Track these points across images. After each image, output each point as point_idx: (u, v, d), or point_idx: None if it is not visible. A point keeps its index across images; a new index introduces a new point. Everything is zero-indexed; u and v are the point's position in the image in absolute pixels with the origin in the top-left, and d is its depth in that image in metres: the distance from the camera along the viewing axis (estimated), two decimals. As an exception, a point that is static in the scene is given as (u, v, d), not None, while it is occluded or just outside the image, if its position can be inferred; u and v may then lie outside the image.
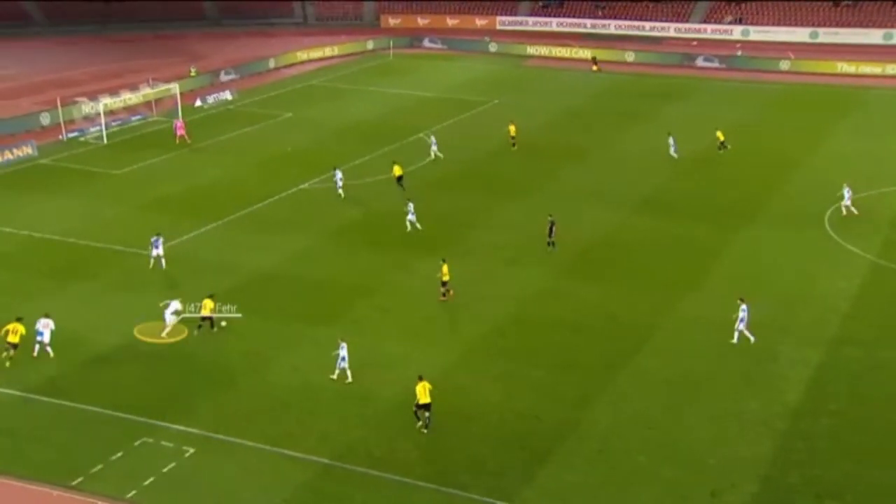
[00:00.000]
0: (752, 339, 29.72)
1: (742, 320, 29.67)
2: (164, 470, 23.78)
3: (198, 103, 63.14)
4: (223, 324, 30.88)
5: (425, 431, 25.34)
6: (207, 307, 30.39)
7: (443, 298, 32.88)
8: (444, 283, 32.91)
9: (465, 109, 61.83)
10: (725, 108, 62.70)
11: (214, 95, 64.79)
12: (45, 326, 29.28)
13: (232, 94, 65.89)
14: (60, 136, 54.81)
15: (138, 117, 58.76)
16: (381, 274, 35.24)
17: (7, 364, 28.37)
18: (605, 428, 25.72)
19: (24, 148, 50.90)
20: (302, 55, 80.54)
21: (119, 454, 24.33)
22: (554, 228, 36.99)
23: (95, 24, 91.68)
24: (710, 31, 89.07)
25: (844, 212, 40.40)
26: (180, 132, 54.17)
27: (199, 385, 27.70)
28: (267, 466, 24.08)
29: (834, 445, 24.88)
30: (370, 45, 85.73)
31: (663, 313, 32.14)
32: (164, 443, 24.85)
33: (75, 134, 55.50)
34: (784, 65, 75.79)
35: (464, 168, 48.86)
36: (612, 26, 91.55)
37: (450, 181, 46.79)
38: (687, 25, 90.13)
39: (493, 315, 32.08)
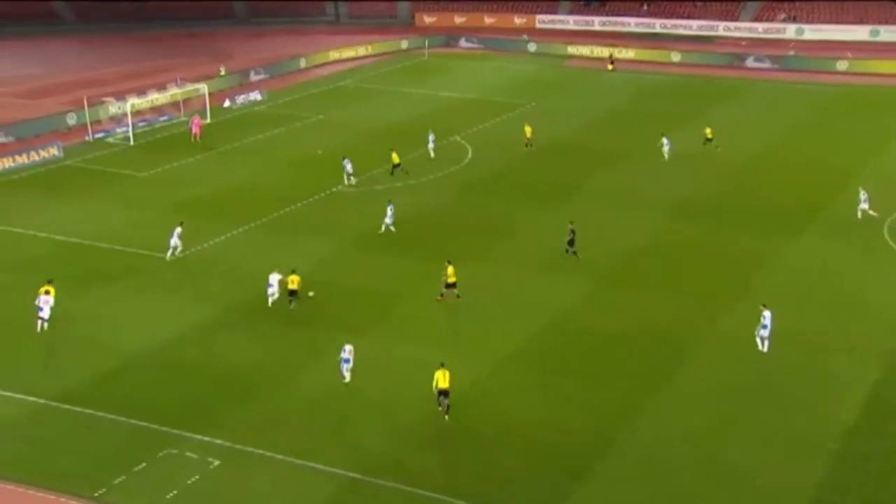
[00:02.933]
0: (764, 348, 29.56)
1: (765, 327, 29.53)
2: (189, 482, 24.05)
3: (226, 104, 63.95)
4: (311, 294, 33.13)
5: (446, 418, 26.17)
6: (294, 282, 32.64)
7: (440, 298, 33.08)
8: (449, 286, 33.04)
9: (502, 112, 61.88)
10: (776, 110, 62.02)
11: (243, 96, 65.56)
12: (45, 303, 31.21)
13: (261, 94, 66.60)
14: (86, 137, 55.86)
15: (165, 118, 59.68)
16: (413, 281, 35.35)
17: (45, 327, 31.29)
18: (645, 444, 25.54)
19: (50, 149, 51.94)
20: (333, 55, 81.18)
21: (142, 465, 24.67)
22: (575, 236, 36.79)
23: (124, 23, 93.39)
24: (761, 29, 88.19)
25: (860, 216, 40.31)
26: (195, 130, 54.98)
27: (225, 394, 28.01)
28: (293, 479, 24.26)
29: (893, 469, 24.41)
30: (404, 44, 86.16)
31: (707, 325, 31.85)
32: (188, 454, 25.15)
33: (101, 135, 56.53)
34: (841, 65, 74.72)
35: (499, 172, 48.89)
36: (658, 25, 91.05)
37: (484, 185, 46.85)
38: (736, 24, 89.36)
39: (528, 324, 32.05)
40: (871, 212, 40.50)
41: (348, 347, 28.43)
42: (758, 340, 29.89)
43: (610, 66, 76.08)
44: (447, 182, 47.37)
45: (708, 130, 52.45)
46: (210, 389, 28.29)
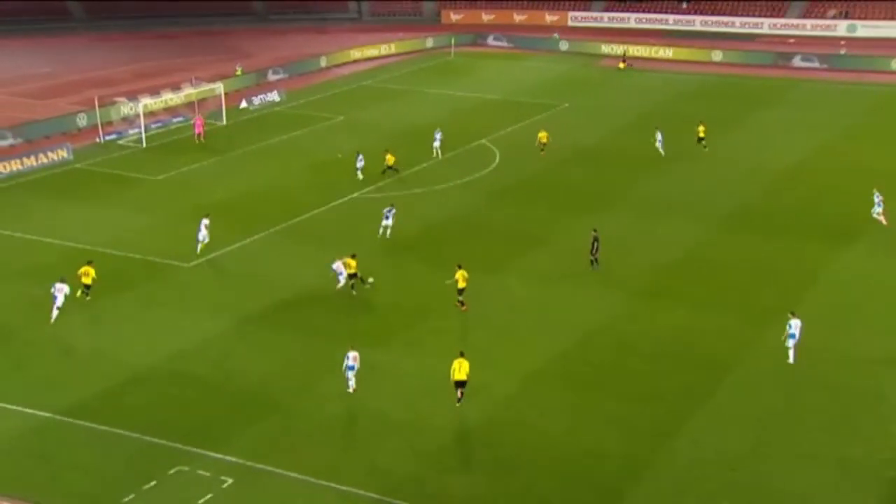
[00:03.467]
0: (791, 359, 29.73)
1: (792, 336, 29.69)
2: (200, 501, 24.17)
3: (243, 104, 64.52)
4: (371, 280, 35.03)
5: (458, 405, 27.63)
6: (352, 265, 34.54)
7: (462, 307, 33.69)
8: (461, 291, 33.48)
9: (533, 113, 61.91)
10: (825, 113, 61.58)
11: (261, 96, 66.12)
12: (60, 291, 32.59)
13: (280, 94, 67.13)
14: (97, 139, 56.56)
15: (179, 119, 60.30)
16: (438, 293, 35.34)
17: (87, 298, 34.23)
18: (682, 467, 25.35)
19: (59, 151, 52.60)
20: (355, 53, 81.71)
21: (153, 483, 24.83)
22: (597, 244, 36.68)
23: (136, 20, 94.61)
24: (809, 27, 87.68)
25: (883, 219, 40.51)
26: (198, 129, 55.55)
27: (239, 409, 28.16)
28: (309, 499, 24.30)
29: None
30: (429, 42, 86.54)
31: (750, 340, 31.60)
32: (200, 472, 25.28)
33: (113, 137, 57.21)
34: (896, 64, 74.14)
35: (528, 178, 48.90)
36: (698, 22, 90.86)
37: (513, 192, 46.87)
38: (783, 21, 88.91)
39: (558, 340, 31.97)
40: (881, 217, 40.48)
41: (353, 354, 28.62)
42: (789, 353, 30.00)
43: (622, 65, 75.98)
44: (473, 188, 47.44)
45: (700, 128, 53.09)
46: (223, 404, 28.46)
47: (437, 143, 52.16)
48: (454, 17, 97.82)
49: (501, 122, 59.09)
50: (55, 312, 32.81)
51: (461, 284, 33.57)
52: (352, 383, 28.62)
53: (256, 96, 65.94)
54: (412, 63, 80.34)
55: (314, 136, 57.86)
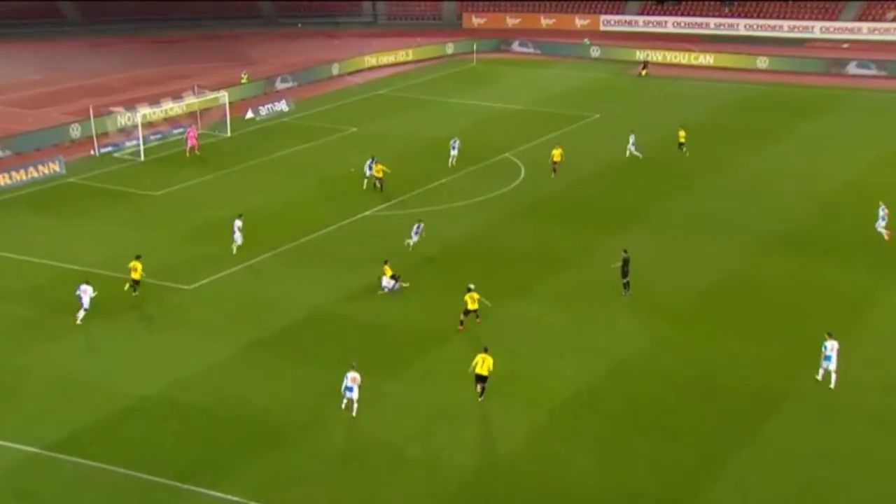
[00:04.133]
0: (831, 384, 30.24)
1: (828, 359, 30.24)
2: (199, 542, 24.33)
3: (249, 115, 65.15)
4: (406, 284, 37.54)
5: (480, 399, 29.62)
6: (388, 272, 37.59)
7: (461, 328, 34.54)
8: (468, 312, 34.38)
9: (561, 125, 62.12)
10: (883, 124, 61.47)
11: (268, 106, 66.77)
12: (84, 292, 34.92)
13: (288, 104, 67.74)
14: (92, 152, 57.26)
15: (180, 130, 60.90)
16: (454, 317, 35.45)
17: (135, 294, 36.91)
18: (725, 512, 25.28)
19: (51, 164, 53.24)
20: (370, 60, 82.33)
21: (148, 523, 25.02)
22: (628, 267, 36.68)
23: (135, 24, 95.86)
24: (865, 30, 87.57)
25: (887, 235, 41.36)
26: (191, 142, 56.11)
27: (242, 443, 28.32)
28: (317, 542, 24.39)
29: None
30: (450, 48, 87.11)
31: (797, 373, 31.48)
32: (199, 511, 25.45)
33: (109, 149, 57.87)
34: (964, 70, 73.88)
35: (555, 195, 49.05)
36: (742, 26, 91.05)
37: (538, 209, 47.04)
38: (836, 24, 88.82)
39: (587, 370, 32.02)
40: (883, 230, 41.15)
41: (351, 375, 28.95)
42: (820, 372, 30.57)
43: (643, 72, 76.23)
44: (496, 205, 47.63)
45: (681, 133, 54.15)
46: (225, 438, 28.64)
47: (454, 153, 52.63)
48: (476, 20, 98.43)
49: (527, 135, 59.34)
50: (81, 314, 34.96)
51: (471, 306, 34.16)
52: (348, 405, 29.02)
53: (263, 106, 66.60)
54: (431, 70, 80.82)
55: (325, 150, 58.30)
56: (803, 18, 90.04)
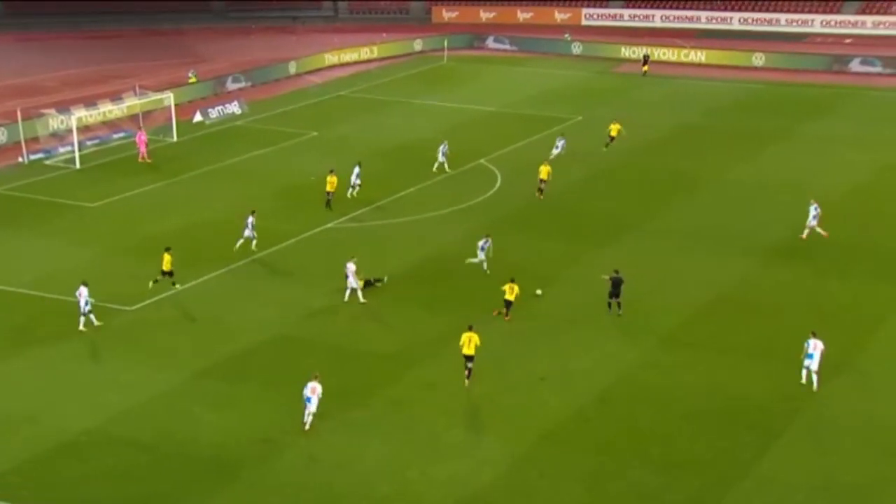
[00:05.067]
0: (814, 385, 31.57)
1: (809, 357, 31.62)
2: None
3: (197, 118, 64.93)
4: (382, 282, 39.08)
5: (466, 382, 31.72)
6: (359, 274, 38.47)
7: (506, 317, 36.33)
8: (509, 304, 36.34)
9: (540, 128, 62.42)
10: (889, 125, 62.20)
11: (219, 108, 66.61)
12: (81, 295, 35.97)
13: (241, 106, 67.65)
14: (20, 159, 56.80)
15: (121, 135, 60.65)
16: (430, 340, 35.48)
17: (150, 285, 39.07)
18: (724, 550, 25.39)
19: (-23, 174, 52.79)
20: (331, 58, 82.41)
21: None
22: (620, 289, 36.70)
23: (67, 17, 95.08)
24: (870, 24, 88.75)
25: (806, 234, 43.09)
26: (143, 148, 55.89)
27: (193, 481, 28.07)
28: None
29: None
30: (418, 45, 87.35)
31: (802, 397, 31.72)
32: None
33: (40, 156, 57.47)
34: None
35: (535, 204, 49.23)
36: (736, 20, 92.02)
37: (516, 220, 47.18)
38: (838, 18, 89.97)
39: (572, 394, 32.08)
40: (819, 229, 42.59)
41: (311, 385, 29.50)
42: (803, 373, 31.85)
43: (644, 68, 76.93)
44: (471, 216, 47.71)
45: (614, 127, 55.77)
46: (173, 476, 28.35)
47: (441, 158, 52.98)
48: (447, 14, 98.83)
49: (503, 139, 59.56)
50: (82, 319, 36.07)
51: (508, 296, 36.12)
52: (307, 420, 29.53)
53: (213, 108, 66.40)
54: (398, 69, 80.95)
55: (282, 156, 58.21)
56: (802, 12, 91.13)
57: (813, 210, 43.36)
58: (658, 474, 28.14)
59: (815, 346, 31.68)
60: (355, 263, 38.31)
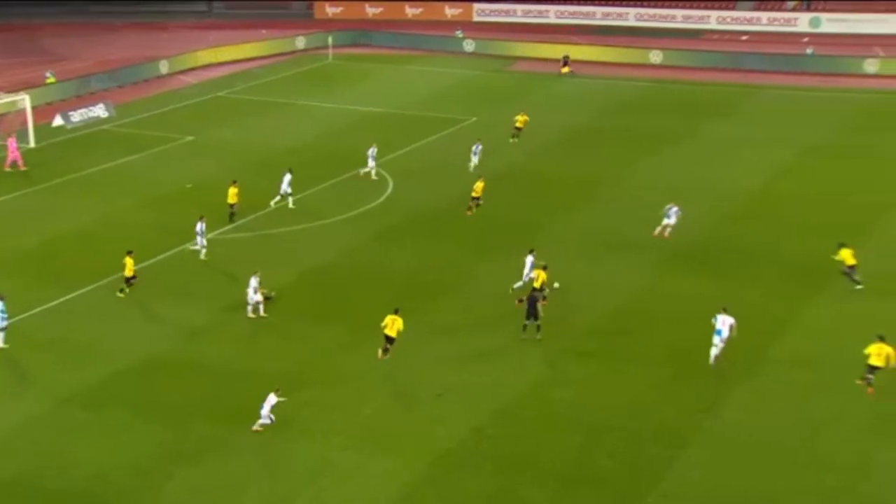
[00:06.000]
0: (711, 357, 33.91)
1: (718, 333, 33.81)
2: None
3: (57, 122, 63.49)
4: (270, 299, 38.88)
5: (379, 354, 34.12)
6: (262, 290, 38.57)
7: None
8: (539, 289, 37.33)
9: (431, 131, 62.69)
10: (786, 126, 63.96)
11: (82, 111, 65.30)
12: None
13: (107, 108, 66.43)
14: None
15: (-23, 142, 58.88)
16: (317, 357, 35.28)
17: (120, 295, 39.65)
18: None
19: None
20: (206, 56, 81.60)
21: None
22: (538, 306, 36.37)
23: None
24: (765, 21, 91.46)
25: (657, 231, 45.12)
26: (13, 155, 54.57)
27: (61, 517, 27.37)
28: None
29: None
30: (301, 43, 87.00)
31: (709, 407, 32.41)
32: None
33: None
34: (870, 66, 77.74)
35: (430, 210, 49.39)
36: (632, 16, 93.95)
37: (411, 227, 47.28)
38: (734, 14, 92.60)
39: (473, 411, 32.16)
40: (665, 232, 44.96)
41: (271, 396, 30.59)
42: (712, 352, 34.02)
43: (564, 69, 78.01)
44: (362, 223, 47.63)
45: (520, 118, 58.22)
46: (40, 512, 27.62)
47: (371, 163, 53.18)
48: (331, 10, 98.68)
49: (394, 142, 59.58)
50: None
51: (537, 284, 37.11)
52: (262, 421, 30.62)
53: (76, 111, 65.07)
54: (279, 69, 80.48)
55: (154, 162, 57.34)
56: (698, 8, 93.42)
57: (670, 210, 45.07)
58: (562, 492, 28.38)
59: (724, 322, 33.80)
60: (259, 277, 38.06)
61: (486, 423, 31.67)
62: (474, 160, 54.15)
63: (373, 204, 50.23)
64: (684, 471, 29.35)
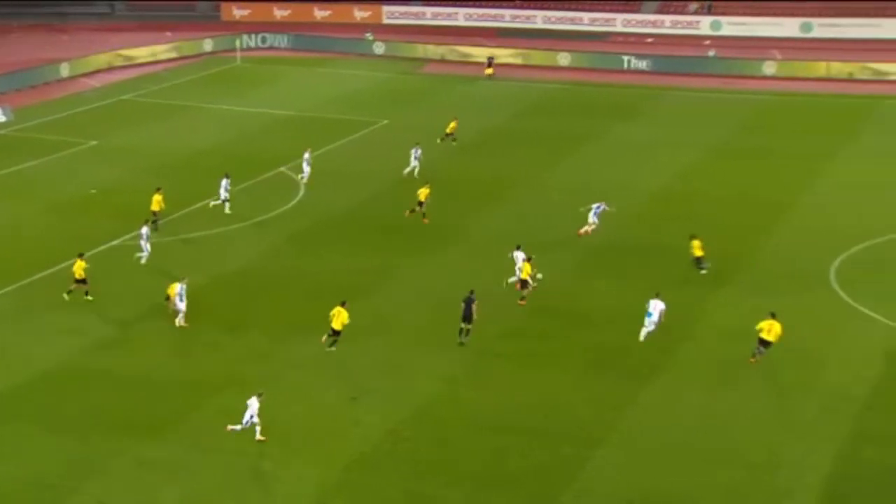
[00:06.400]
0: (642, 335, 35.88)
1: (649, 315, 35.75)
2: None
3: (-48, 127, 61.90)
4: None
5: (322, 340, 35.07)
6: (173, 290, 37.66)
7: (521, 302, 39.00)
8: (524, 282, 39.02)
9: (342, 134, 62.46)
10: (688, 127, 64.93)
11: (-22, 116, 63.81)
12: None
13: (4, 113, 65.07)
14: None
15: None
16: (232, 365, 34.91)
17: (66, 297, 39.26)
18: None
19: None
20: (109, 59, 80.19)
21: None
22: (471, 310, 36.35)
23: None
24: (668, 23, 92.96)
25: (583, 230, 45.88)
26: None
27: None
28: None
29: None
30: (208, 45, 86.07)
31: (624, 405, 32.79)
32: None
33: None
34: (768, 68, 79.62)
35: (342, 214, 49.24)
36: (540, 19, 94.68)
37: (326, 230, 47.08)
38: (638, 17, 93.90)
39: (387, 413, 32.16)
40: (589, 229, 46.04)
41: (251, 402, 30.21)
42: (642, 332, 35.83)
43: (488, 71, 78.33)
44: (273, 228, 47.30)
45: (452, 124, 58.75)
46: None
47: (306, 168, 52.61)
48: (238, 12, 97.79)
49: (304, 145, 59.03)
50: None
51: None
52: (236, 425, 30.26)
53: (-29, 116, 63.57)
54: (186, 71, 79.50)
55: (56, 168, 56.27)
56: (604, 10, 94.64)
57: (595, 208, 45.93)
58: (473, 494, 28.47)
59: (655, 307, 35.77)
60: (186, 284, 37.46)
61: (400, 424, 31.66)
62: (414, 164, 53.73)
63: (284, 208, 49.86)
64: (597, 470, 29.68)
